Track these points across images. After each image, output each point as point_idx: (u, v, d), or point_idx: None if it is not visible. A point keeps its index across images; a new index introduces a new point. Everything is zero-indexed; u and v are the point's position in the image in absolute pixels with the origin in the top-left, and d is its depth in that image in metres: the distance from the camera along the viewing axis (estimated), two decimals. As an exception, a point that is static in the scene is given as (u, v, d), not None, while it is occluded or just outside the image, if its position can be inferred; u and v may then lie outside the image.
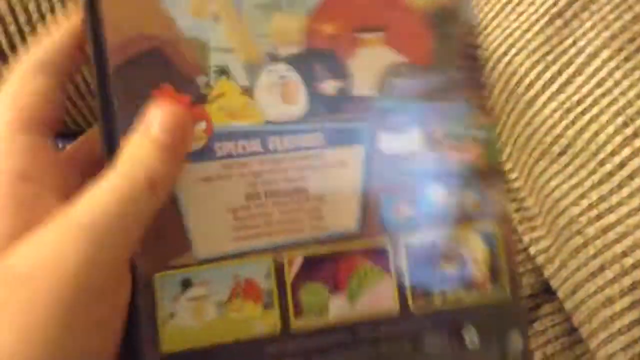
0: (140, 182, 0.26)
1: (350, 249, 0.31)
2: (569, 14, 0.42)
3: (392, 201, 0.32)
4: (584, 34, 0.41)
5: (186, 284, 0.29)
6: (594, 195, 0.36)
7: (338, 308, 0.31)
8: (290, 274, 0.30)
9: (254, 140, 0.30)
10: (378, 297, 0.31)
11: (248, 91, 0.30)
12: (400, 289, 0.32)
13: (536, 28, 0.41)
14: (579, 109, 0.38)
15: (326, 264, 0.31)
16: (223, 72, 0.30)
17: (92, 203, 0.26)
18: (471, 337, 0.32)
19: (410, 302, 0.32)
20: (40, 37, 0.30)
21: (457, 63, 0.34)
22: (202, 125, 0.30)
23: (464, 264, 0.33)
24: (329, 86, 0.32)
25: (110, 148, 0.28)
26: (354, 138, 0.32)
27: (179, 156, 0.28)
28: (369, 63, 0.33)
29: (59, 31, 0.30)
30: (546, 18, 0.41)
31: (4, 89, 0.29)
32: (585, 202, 0.36)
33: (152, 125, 0.27)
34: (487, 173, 0.34)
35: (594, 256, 0.35)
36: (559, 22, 0.42)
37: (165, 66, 0.29)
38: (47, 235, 0.25)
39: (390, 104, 0.32)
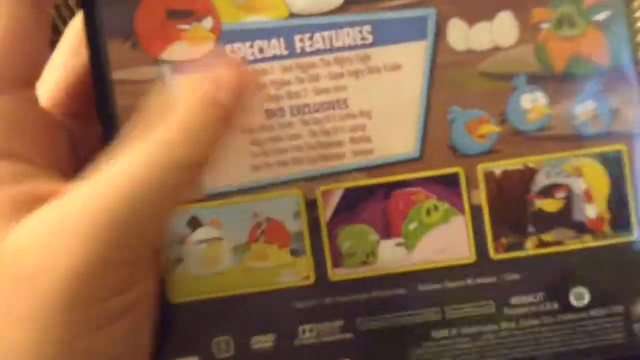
0: (183, 155, 0.20)
1: (407, 180, 0.24)
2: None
3: (466, 115, 0.24)
4: None
5: (194, 224, 0.24)
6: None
7: (390, 254, 0.24)
8: (325, 212, 0.24)
9: (275, 39, 0.23)
10: (445, 241, 0.24)
11: (267, -26, 0.24)
12: (477, 231, 0.24)
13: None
14: None
15: (374, 199, 0.24)
16: (234, -50, 0.23)
17: (106, 185, 0.20)
18: (579, 294, 0.24)
19: (490, 247, 0.24)
20: None
21: None
22: (208, 22, 0.23)
23: (573, 198, 0.24)
24: (383, -39, 0.24)
25: (95, 61, 0.23)
26: (413, 31, 0.23)
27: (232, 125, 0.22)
28: None
29: None
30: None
31: None
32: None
33: (219, 86, 0.21)
34: (614, 72, 0.24)
35: None
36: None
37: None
38: (48, 227, 0.20)
39: (467, -19, 0.24)
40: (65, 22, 0.36)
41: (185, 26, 0.23)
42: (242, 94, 0.21)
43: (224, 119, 0.21)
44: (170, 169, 0.20)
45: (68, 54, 0.26)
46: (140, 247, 0.21)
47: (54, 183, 0.22)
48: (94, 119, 0.26)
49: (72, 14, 0.38)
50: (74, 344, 0.20)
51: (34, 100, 0.23)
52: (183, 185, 0.21)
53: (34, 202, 0.21)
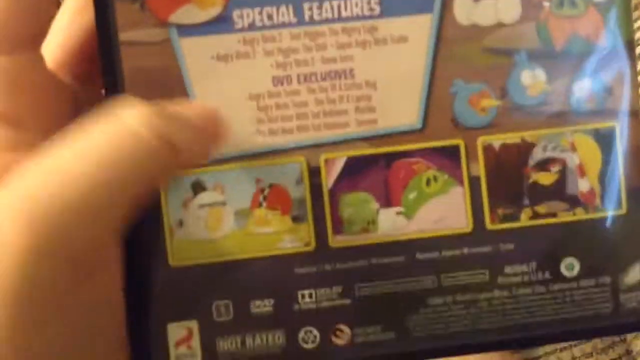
0: (155, 141, 0.19)
1: (409, 150, 0.24)
2: None
3: (469, 89, 0.24)
4: None
5: (197, 188, 0.24)
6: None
7: (389, 223, 0.24)
8: (327, 180, 0.24)
9: (284, 6, 0.23)
10: (443, 211, 0.24)
11: (278, -60, 0.24)
12: (475, 201, 0.24)
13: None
14: None
15: (375, 168, 0.24)
16: None
17: (54, 165, 0.19)
18: (569, 265, 0.25)
19: (487, 218, 0.25)
20: None
21: None
22: (217, -13, 0.23)
23: (566, 172, 0.25)
24: None
25: (101, 21, 0.23)
26: (421, 3, 0.24)
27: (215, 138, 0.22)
28: None
29: None
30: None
31: None
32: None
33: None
34: (610, 53, 0.25)
35: None
36: None
37: None
38: None
39: (474, -44, 0.24)
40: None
41: (195, -11, 0.23)
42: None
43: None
44: (133, 149, 0.19)
45: (73, 13, 0.25)
46: (97, 236, 0.20)
47: None
48: (100, 81, 0.25)
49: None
50: (24, 343, 0.19)
51: (40, 61, 0.23)
52: (151, 166, 0.20)
53: None
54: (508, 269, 0.25)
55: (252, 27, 0.23)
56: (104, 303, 0.22)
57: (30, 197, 0.18)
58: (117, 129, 0.19)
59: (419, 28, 0.24)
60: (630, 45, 0.25)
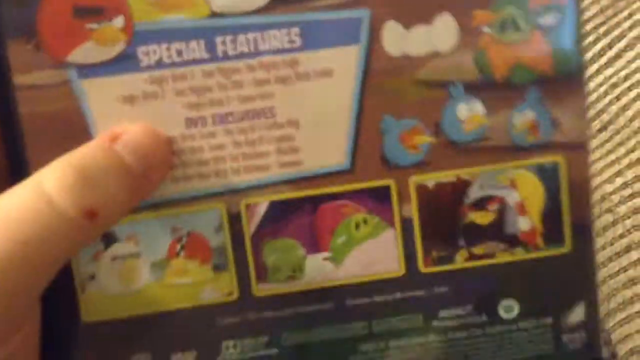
0: (74, 212, 0.18)
1: (336, 192, 0.22)
2: (627, -15, 0.40)
3: (400, 125, 0.22)
4: (640, 7, 0.38)
5: (109, 239, 0.22)
6: (629, 174, 0.33)
7: (317, 269, 0.23)
8: (249, 226, 0.22)
9: (194, 41, 0.21)
10: (374, 256, 0.23)
11: (185, -32, 0.21)
12: (407, 244, 0.23)
13: (592, -3, 0.38)
14: (626, 84, 0.34)
15: (301, 213, 0.22)
16: (148, -60, 0.21)
17: None
18: (508, 306, 0.24)
19: (420, 261, 0.23)
20: None
21: None
22: (119, 21, 0.21)
23: (505, 211, 0.23)
24: (314, -47, 0.22)
25: None
26: (346, 34, 0.21)
27: (144, 191, 0.21)
28: None
29: None
30: (604, -12, 0.38)
31: None
32: (619, 181, 0.33)
33: (120, 142, 0.20)
34: (554, 83, 0.22)
35: (622, 236, 0.32)
36: (616, -7, 0.39)
37: None
38: None
39: (405, -20, 0.22)
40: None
41: (94, 25, 0.21)
42: (151, 161, 0.20)
43: (129, 180, 0.19)
44: (51, 222, 0.18)
45: None
46: (13, 307, 0.19)
47: None
48: None
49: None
50: None
51: None
52: (70, 239, 0.19)
53: None
54: (443, 313, 0.23)
55: (160, 64, 0.21)
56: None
57: None
58: (36, 200, 0.18)
59: (344, 61, 0.22)
60: (579, 71, 0.23)
